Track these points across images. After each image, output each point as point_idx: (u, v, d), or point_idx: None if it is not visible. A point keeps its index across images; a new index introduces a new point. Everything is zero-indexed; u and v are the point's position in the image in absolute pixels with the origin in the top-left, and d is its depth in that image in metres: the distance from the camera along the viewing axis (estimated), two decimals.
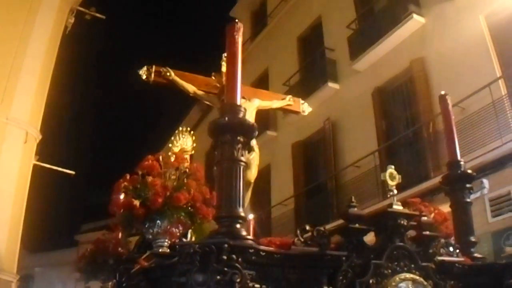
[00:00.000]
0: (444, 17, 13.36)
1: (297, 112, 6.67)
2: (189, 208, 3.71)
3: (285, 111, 6.73)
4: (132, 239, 5.04)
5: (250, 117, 5.67)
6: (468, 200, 4.53)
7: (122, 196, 3.71)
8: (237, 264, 2.83)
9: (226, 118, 3.34)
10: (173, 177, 3.76)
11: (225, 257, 2.81)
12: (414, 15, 13.85)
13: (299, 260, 3.17)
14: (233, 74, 3.58)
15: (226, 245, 2.81)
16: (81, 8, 13.62)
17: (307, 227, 3.30)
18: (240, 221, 3.19)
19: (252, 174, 5.64)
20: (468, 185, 4.55)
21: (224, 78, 5.70)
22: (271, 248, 3.07)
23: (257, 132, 3.46)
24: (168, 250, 3.76)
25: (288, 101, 6.46)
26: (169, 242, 3.83)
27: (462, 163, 4.65)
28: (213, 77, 6.02)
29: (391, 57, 14.59)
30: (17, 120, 11.15)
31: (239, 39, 3.70)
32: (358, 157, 14.59)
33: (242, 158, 3.30)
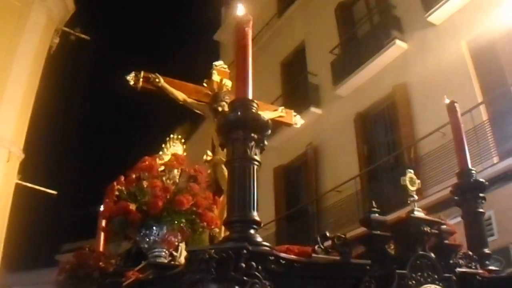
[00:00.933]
0: (427, 42, 13.26)
1: (289, 124, 6.27)
2: (192, 214, 3.24)
3: (277, 123, 6.16)
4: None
5: None
6: (482, 210, 4.19)
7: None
8: (257, 273, 2.38)
9: (239, 113, 2.94)
10: (175, 179, 3.30)
11: (243, 265, 2.36)
12: (397, 41, 13.76)
13: (321, 270, 2.73)
14: (244, 67, 3.19)
15: (245, 251, 2.35)
16: (66, 29, 13.24)
17: (328, 234, 2.85)
18: (255, 226, 2.76)
19: None
20: (481, 194, 4.21)
21: (216, 86, 5.54)
22: (292, 257, 2.62)
23: (270, 131, 3.04)
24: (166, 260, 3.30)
25: (280, 112, 6.04)
26: (167, 252, 3.36)
27: (473, 172, 4.28)
28: (204, 84, 5.66)
29: (374, 83, 14.43)
30: (0, 139, 10.77)
31: (249, 31, 3.30)
32: (340, 181, 14.30)
33: (256, 157, 2.90)
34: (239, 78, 3.18)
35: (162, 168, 3.47)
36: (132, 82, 5.40)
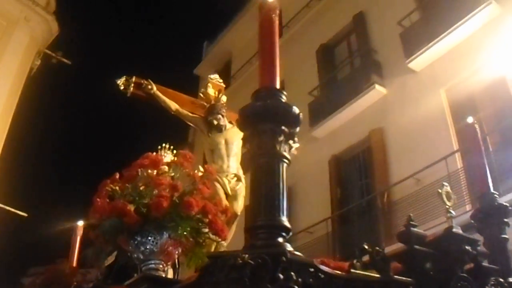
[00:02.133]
0: (406, 88, 13.08)
1: None
2: (199, 221, 2.69)
3: None
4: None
5: (237, 144, 5.04)
6: (506, 236, 3.75)
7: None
8: (296, 287, 1.83)
9: (268, 102, 2.50)
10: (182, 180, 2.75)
11: (281, 275, 1.84)
12: (376, 85, 13.52)
13: (361, 287, 2.18)
14: (270, 53, 2.75)
15: (284, 258, 1.81)
16: (48, 51, 12.67)
17: (366, 247, 2.33)
18: (284, 233, 2.27)
19: (239, 206, 4.94)
20: (505, 219, 3.78)
21: (212, 97, 5.29)
22: (333, 271, 2.08)
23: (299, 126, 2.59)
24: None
25: None
26: (164, 265, 2.77)
27: (496, 195, 3.87)
28: (200, 94, 5.39)
29: (351, 126, 14.12)
30: None
31: (275, 17, 2.85)
32: (312, 222, 13.79)
33: (286, 154, 2.47)
34: (264, 65, 2.75)
35: (166, 168, 2.91)
36: (122, 87, 5.11)
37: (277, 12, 2.89)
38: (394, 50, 13.44)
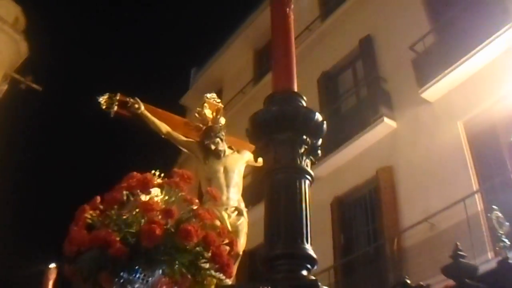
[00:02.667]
0: (419, 122, 13.01)
1: None
2: (199, 254, 2.52)
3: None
4: None
5: (238, 173, 5.02)
6: None
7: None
8: None
9: (285, 107, 2.41)
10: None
11: None
12: (385, 118, 13.42)
13: None
14: (284, 51, 2.69)
15: None
16: (16, 76, 12.54)
17: (408, 281, 2.17)
18: (309, 265, 2.21)
19: (241, 244, 4.83)
20: None
21: (209, 119, 5.26)
22: None
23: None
24: None
25: None
26: None
27: None
28: (196, 115, 5.38)
29: (356, 164, 14.01)
30: None
31: (290, 12, 2.81)
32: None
33: (308, 169, 2.42)
34: (279, 65, 2.68)
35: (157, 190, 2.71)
36: (104, 106, 5.06)
37: (291, 6, 2.81)
38: (406, 78, 13.41)
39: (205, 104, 5.38)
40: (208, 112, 5.32)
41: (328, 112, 15.71)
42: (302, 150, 2.37)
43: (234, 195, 4.86)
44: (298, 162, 2.31)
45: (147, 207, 2.55)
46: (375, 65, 14.70)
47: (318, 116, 2.50)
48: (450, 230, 10.87)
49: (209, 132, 5.09)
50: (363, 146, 13.77)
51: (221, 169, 4.97)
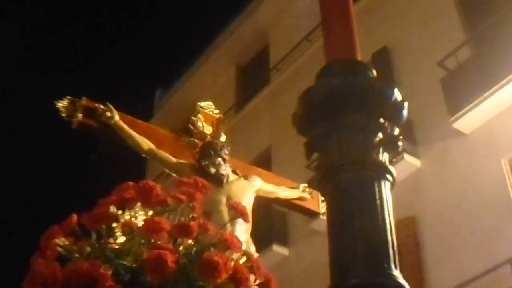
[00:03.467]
0: (449, 159, 13.06)
1: (314, 213, 6.02)
2: None
3: (296, 208, 6.05)
4: None
5: (246, 205, 4.75)
6: None
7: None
8: None
9: (351, 79, 2.28)
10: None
11: None
12: (406, 155, 13.25)
13: None
14: (342, 11, 2.73)
15: None
16: None
17: None
18: None
19: None
20: None
21: (206, 133, 5.24)
22: None
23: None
24: None
25: (302, 192, 5.72)
26: None
27: None
28: (190, 127, 5.27)
29: None
30: None
31: None
32: None
33: (388, 165, 2.35)
34: (335, 28, 2.70)
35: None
36: (64, 114, 4.94)
37: None
38: (433, 103, 13.43)
39: (199, 116, 5.36)
40: (204, 126, 5.29)
41: None
42: (378, 139, 2.23)
43: (241, 234, 4.48)
44: (374, 155, 2.18)
45: (154, 225, 2.31)
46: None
47: (397, 94, 2.32)
48: None
49: (207, 150, 4.98)
50: None
51: (224, 199, 4.81)
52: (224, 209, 4.74)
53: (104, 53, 47.88)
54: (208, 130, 5.29)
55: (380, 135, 2.24)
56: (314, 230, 14.73)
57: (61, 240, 2.43)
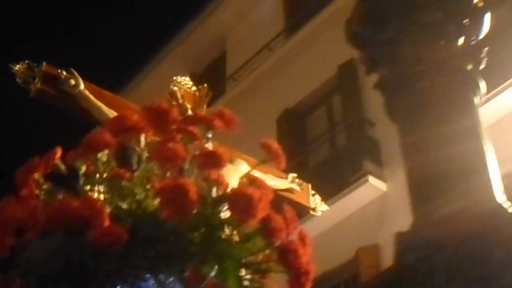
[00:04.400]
0: None
1: (304, 207, 5.66)
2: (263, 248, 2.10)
3: (285, 200, 5.41)
4: None
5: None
6: None
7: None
8: None
9: None
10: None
11: None
12: (371, 178, 13.89)
13: None
14: None
15: None
16: None
17: None
18: None
19: None
20: None
21: (187, 109, 5.07)
22: None
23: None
24: None
25: (290, 183, 5.53)
26: None
27: None
28: (170, 98, 5.13)
29: (328, 241, 13.78)
30: None
31: None
32: None
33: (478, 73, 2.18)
34: None
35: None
36: (20, 79, 4.84)
37: None
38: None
39: (175, 89, 5.22)
40: (184, 99, 5.15)
41: (290, 165, 15.92)
42: (457, 42, 2.02)
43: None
44: (460, 62, 1.94)
45: (167, 152, 2.10)
46: (359, 102, 15.04)
47: None
48: None
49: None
50: (339, 215, 13.90)
51: None
52: None
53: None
54: (188, 103, 5.11)
55: (464, 39, 2.00)
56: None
57: (40, 180, 2.22)
